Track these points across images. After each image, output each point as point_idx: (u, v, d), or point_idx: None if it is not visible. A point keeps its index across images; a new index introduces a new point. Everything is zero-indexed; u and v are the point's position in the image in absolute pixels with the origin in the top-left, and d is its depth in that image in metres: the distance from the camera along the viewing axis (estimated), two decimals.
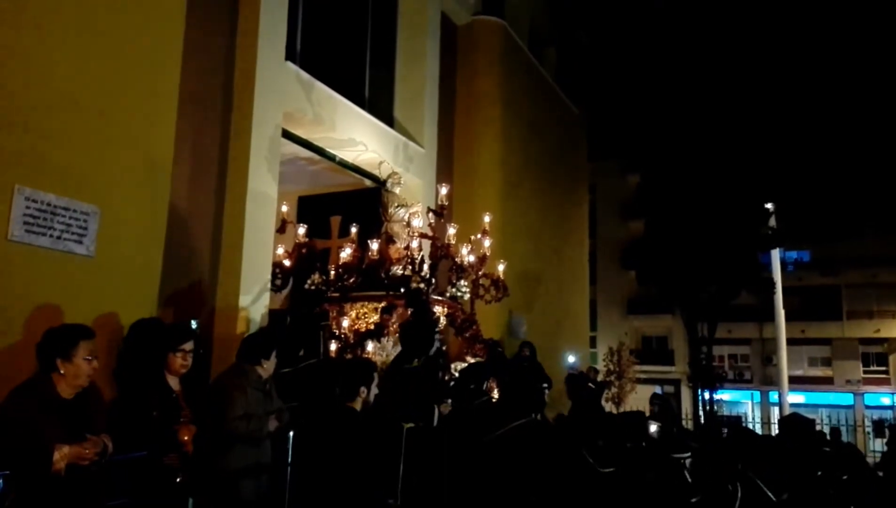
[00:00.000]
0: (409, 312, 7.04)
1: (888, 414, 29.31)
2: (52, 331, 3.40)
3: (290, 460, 4.66)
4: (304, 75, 7.98)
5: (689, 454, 5.67)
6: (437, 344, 5.57)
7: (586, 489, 4.43)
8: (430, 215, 7.91)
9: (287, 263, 7.64)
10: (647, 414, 7.79)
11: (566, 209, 15.79)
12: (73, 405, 3.28)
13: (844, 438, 14.65)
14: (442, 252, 7.56)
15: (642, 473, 4.95)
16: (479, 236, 7.79)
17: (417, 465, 4.21)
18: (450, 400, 5.10)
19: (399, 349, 6.71)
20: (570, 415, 7.19)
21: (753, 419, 28.37)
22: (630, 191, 32.68)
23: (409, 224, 7.70)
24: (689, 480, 5.16)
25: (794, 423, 6.05)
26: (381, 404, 4.47)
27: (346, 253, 7.69)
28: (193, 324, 5.25)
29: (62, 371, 3.25)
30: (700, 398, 18.51)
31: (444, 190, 7.88)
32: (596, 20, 17.03)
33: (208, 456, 4.15)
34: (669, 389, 31.79)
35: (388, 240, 7.70)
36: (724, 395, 28.49)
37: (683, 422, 18.08)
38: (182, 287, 6.25)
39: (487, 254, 7.74)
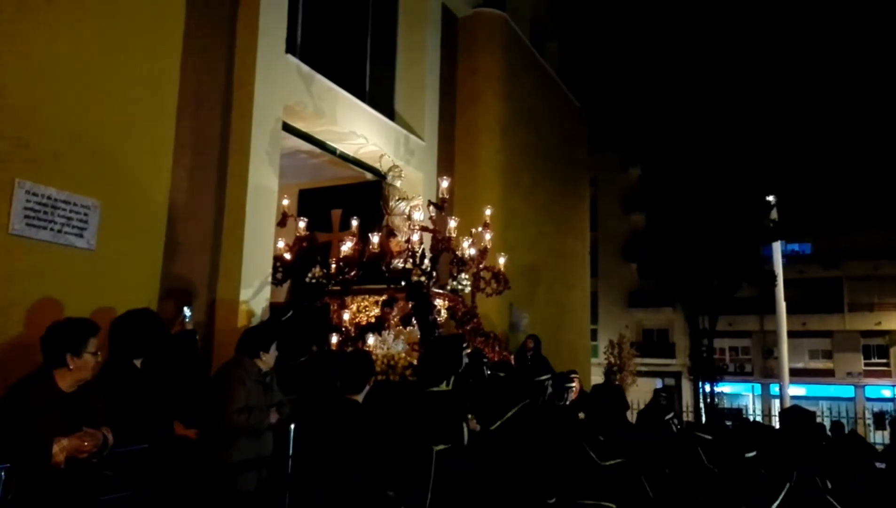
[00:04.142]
0: (410, 305, 7.05)
1: (889, 406, 29.34)
2: (59, 325, 3.38)
3: (291, 452, 4.66)
4: (305, 68, 7.96)
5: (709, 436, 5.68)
6: (465, 360, 5.44)
7: (589, 481, 4.45)
8: (431, 208, 7.91)
9: (288, 256, 7.65)
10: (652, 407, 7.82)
11: (567, 202, 15.77)
12: (73, 398, 3.29)
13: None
14: (443, 245, 7.57)
15: (659, 464, 4.98)
16: (479, 229, 7.79)
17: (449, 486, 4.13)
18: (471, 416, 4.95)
19: (398, 344, 6.74)
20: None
21: (754, 411, 28.40)
22: (631, 184, 32.62)
23: (409, 217, 7.70)
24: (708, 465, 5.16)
25: (795, 416, 6.04)
26: (408, 427, 4.36)
27: (346, 246, 7.69)
28: (186, 311, 5.23)
29: (71, 366, 3.26)
30: (701, 390, 18.54)
31: (444, 183, 7.87)
32: (597, 13, 16.96)
33: (210, 449, 4.17)
34: (670, 382, 31.84)
35: (389, 233, 7.70)
36: (724, 388, 28.55)
37: (684, 415, 18.14)
38: (182, 281, 6.25)
39: (488, 247, 7.74)
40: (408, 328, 7.01)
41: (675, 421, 6.43)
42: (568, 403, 6.41)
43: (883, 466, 7.22)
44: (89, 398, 3.36)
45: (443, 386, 4.48)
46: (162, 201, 5.53)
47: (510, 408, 4.75)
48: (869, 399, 30.47)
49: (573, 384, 7.27)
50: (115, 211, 4.96)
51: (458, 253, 7.50)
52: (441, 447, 4.14)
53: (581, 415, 6.65)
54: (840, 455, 6.64)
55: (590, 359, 16.89)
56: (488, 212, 8.02)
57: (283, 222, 7.65)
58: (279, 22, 7.54)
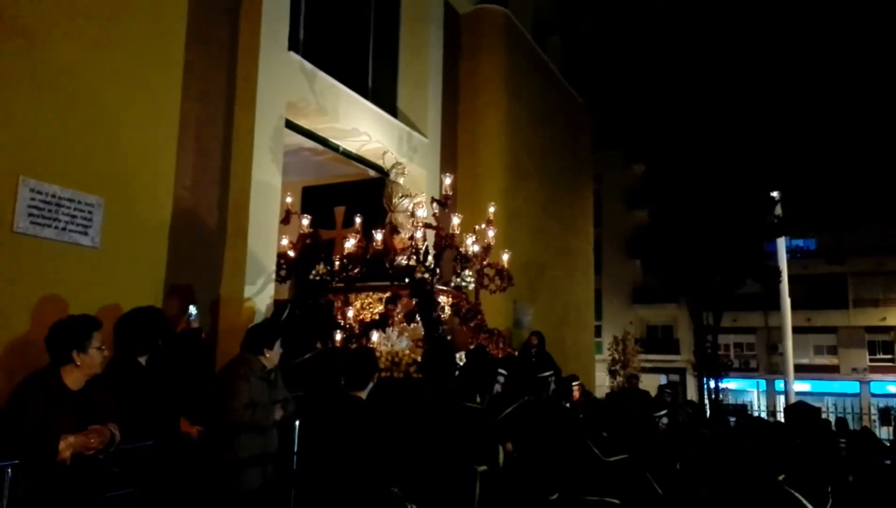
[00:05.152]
0: (414, 302, 7.05)
1: (894, 402, 29.30)
2: (61, 324, 3.41)
3: (295, 449, 4.68)
4: (308, 65, 7.95)
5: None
6: (497, 387, 5.46)
7: (592, 477, 4.45)
8: (435, 204, 7.90)
9: (291, 253, 7.66)
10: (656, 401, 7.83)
11: (571, 199, 15.75)
12: (80, 396, 3.31)
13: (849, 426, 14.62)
14: (446, 242, 7.56)
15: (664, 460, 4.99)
16: (483, 225, 7.78)
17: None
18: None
19: (402, 341, 6.75)
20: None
21: (759, 407, 28.38)
22: (635, 180, 32.56)
23: (413, 214, 7.69)
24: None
25: (800, 412, 6.04)
26: (418, 427, 4.34)
27: (350, 243, 7.69)
28: (192, 309, 5.25)
29: (78, 363, 3.29)
30: (705, 386, 18.51)
31: (448, 180, 7.87)
32: (600, 9, 16.91)
33: (215, 446, 4.18)
34: (675, 378, 31.84)
35: (393, 230, 7.70)
36: (729, 384, 28.50)
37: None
38: (187, 278, 6.25)
39: (492, 244, 7.74)
40: (412, 325, 7.02)
41: (664, 421, 6.43)
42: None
43: (889, 462, 7.20)
44: (96, 396, 3.38)
45: (474, 402, 4.48)
46: (166, 199, 5.54)
47: (510, 404, 4.77)
48: (874, 395, 30.43)
49: (572, 390, 7.35)
50: (120, 209, 4.97)
51: (462, 250, 7.49)
52: (484, 468, 4.10)
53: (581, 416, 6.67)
54: (848, 450, 6.61)
55: (594, 356, 16.87)
56: (492, 209, 8.01)
57: (286, 219, 7.65)
58: (282, 19, 7.54)
